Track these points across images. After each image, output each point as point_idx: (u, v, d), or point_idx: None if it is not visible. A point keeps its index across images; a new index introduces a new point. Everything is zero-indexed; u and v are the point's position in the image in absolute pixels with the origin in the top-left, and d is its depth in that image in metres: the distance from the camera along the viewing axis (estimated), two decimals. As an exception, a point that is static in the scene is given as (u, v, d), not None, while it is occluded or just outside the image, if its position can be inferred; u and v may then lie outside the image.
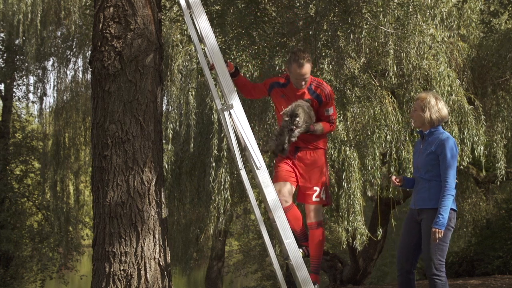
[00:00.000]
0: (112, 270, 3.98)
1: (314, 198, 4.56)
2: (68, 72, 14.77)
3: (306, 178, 4.56)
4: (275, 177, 4.57)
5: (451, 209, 4.21)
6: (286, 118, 4.35)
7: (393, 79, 7.69)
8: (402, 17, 6.93)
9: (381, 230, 10.57)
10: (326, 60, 7.02)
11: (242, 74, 4.75)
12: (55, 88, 14.64)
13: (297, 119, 4.31)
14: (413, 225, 4.35)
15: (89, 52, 12.16)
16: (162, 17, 5.15)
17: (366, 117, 8.27)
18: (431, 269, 4.17)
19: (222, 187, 9.30)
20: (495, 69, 9.18)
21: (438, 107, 4.28)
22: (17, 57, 15.23)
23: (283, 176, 4.55)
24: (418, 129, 4.48)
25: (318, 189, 4.57)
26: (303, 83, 4.51)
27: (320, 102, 4.59)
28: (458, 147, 4.71)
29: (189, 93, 9.81)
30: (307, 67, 4.45)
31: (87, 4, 11.07)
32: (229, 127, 4.06)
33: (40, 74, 14.87)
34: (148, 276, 4.01)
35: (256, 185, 4.62)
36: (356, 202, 8.64)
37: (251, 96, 4.86)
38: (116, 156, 4.07)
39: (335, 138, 8.37)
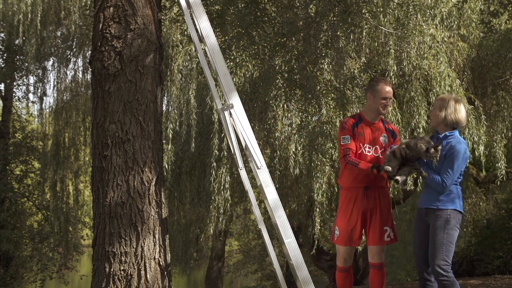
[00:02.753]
0: (112, 270, 3.98)
1: (386, 238, 4.59)
2: (68, 72, 14.76)
3: (376, 218, 4.57)
4: (340, 238, 4.63)
5: (456, 210, 4.21)
6: (431, 147, 4.23)
7: (393, 79, 7.69)
8: (402, 17, 6.93)
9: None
10: (326, 60, 7.02)
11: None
12: (55, 88, 14.63)
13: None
14: (423, 226, 4.34)
15: (89, 52, 12.16)
16: (162, 17, 5.15)
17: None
18: (437, 271, 4.14)
19: (222, 187, 9.30)
20: (495, 69, 9.16)
21: (455, 109, 4.27)
22: (17, 57, 15.24)
23: (348, 240, 4.62)
24: (435, 129, 4.48)
25: (388, 228, 4.60)
26: (386, 107, 4.62)
27: (394, 138, 4.70)
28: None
29: (189, 93, 9.80)
30: (391, 88, 4.65)
31: (87, 4, 11.08)
32: (229, 127, 4.05)
33: (40, 74, 14.87)
34: (148, 276, 4.01)
35: (256, 185, 4.61)
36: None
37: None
38: (116, 156, 4.07)
39: (335, 138, 8.37)
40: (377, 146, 4.63)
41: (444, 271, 4.12)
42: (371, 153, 4.60)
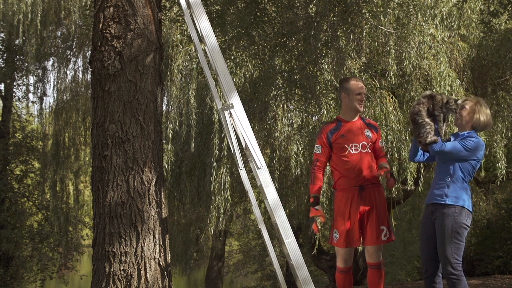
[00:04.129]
0: (112, 270, 3.98)
1: (383, 238, 4.57)
2: (68, 72, 14.77)
3: (372, 218, 4.56)
4: (340, 241, 4.60)
5: (464, 207, 4.20)
6: (448, 101, 4.34)
7: (393, 79, 7.68)
8: (402, 17, 6.93)
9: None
10: (326, 60, 7.02)
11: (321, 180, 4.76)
12: (55, 88, 14.63)
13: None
14: (430, 225, 4.30)
15: (89, 52, 12.17)
16: (162, 17, 5.15)
17: (367, 117, 8.27)
18: (447, 269, 4.12)
19: (222, 187, 9.30)
20: (495, 69, 9.16)
21: (487, 112, 4.36)
22: (17, 57, 15.24)
23: (348, 241, 4.60)
24: (455, 131, 4.51)
25: (385, 228, 4.59)
26: (362, 103, 4.65)
27: (376, 132, 4.76)
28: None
29: (189, 93, 9.80)
30: (362, 83, 4.70)
31: (87, 4, 11.08)
32: (229, 127, 4.05)
33: (40, 74, 14.88)
34: (148, 276, 4.01)
35: (256, 185, 4.61)
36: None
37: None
38: (116, 156, 4.07)
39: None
40: (364, 142, 4.64)
41: (454, 269, 4.10)
42: (358, 150, 4.61)
